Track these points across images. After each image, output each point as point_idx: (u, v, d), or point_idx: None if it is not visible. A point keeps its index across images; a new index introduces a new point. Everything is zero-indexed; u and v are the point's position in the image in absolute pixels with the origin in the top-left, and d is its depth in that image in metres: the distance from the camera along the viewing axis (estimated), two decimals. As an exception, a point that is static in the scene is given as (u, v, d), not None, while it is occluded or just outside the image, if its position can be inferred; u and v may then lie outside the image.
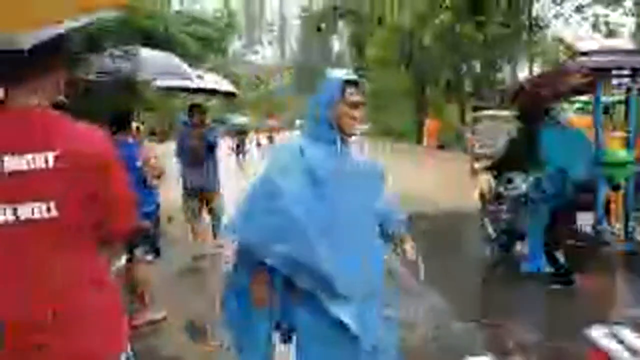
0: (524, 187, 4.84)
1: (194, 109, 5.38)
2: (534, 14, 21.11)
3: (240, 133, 17.81)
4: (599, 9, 23.73)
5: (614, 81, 4.08)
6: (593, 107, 4.22)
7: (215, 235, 5.68)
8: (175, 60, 4.41)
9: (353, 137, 1.94)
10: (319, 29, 28.76)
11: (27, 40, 1.29)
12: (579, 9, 23.61)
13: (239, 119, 19.62)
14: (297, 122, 48.49)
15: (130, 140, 3.89)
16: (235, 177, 11.90)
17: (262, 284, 1.85)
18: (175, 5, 16.43)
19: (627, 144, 4.40)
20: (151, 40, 12.42)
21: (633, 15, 22.63)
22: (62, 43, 1.43)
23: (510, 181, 5.40)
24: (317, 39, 45.23)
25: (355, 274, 1.81)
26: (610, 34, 25.11)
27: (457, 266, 5.58)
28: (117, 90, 4.49)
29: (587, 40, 21.36)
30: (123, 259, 4.05)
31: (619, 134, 4.56)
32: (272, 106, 45.77)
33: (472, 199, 6.55)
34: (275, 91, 52.00)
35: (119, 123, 3.82)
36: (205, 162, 5.32)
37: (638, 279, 4.55)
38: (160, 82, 4.79)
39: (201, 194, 5.40)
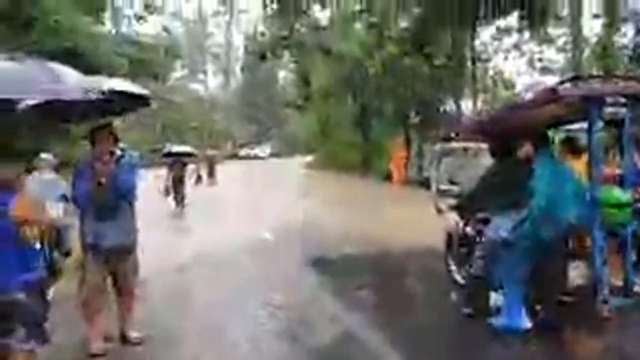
0: (503, 230, 4.12)
1: (97, 132, 3.76)
2: (475, 48, 21.58)
3: (177, 165, 12.77)
4: (535, 46, 24.91)
5: (609, 110, 3.51)
6: (588, 140, 3.63)
7: (124, 318, 4.00)
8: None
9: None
10: (263, 57, 28.08)
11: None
12: (516, 45, 24.62)
13: (181, 148, 14.68)
14: (241, 152, 47.54)
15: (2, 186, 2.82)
16: (172, 233, 9.33)
17: None
18: (108, 27, 15.18)
19: (622, 183, 3.82)
20: (74, 58, 11.22)
21: (565, 51, 23.69)
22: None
23: (486, 222, 4.72)
24: (262, 69, 44.74)
25: None
26: (544, 70, 26.39)
27: (421, 320, 4.79)
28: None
29: (525, 76, 21.90)
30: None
31: (608, 170, 4.00)
32: (214, 136, 44.44)
33: (437, 242, 5.84)
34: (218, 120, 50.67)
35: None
36: (118, 212, 3.79)
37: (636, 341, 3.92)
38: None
39: (109, 257, 3.79)
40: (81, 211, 3.82)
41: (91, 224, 3.73)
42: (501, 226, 4.21)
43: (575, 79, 3.63)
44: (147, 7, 16.92)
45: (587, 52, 18.76)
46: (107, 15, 16.56)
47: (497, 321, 4.22)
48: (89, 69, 10.87)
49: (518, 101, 4.61)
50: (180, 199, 12.64)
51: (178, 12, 40.24)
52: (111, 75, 12.41)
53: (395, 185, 17.28)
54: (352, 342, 4.08)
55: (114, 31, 15.83)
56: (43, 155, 7.03)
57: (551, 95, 3.53)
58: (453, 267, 5.61)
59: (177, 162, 12.76)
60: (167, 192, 12.21)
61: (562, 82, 3.68)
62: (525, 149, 3.99)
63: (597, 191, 3.68)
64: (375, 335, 4.17)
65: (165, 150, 14.15)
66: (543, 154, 3.91)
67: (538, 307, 4.24)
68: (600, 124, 3.64)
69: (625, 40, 17.08)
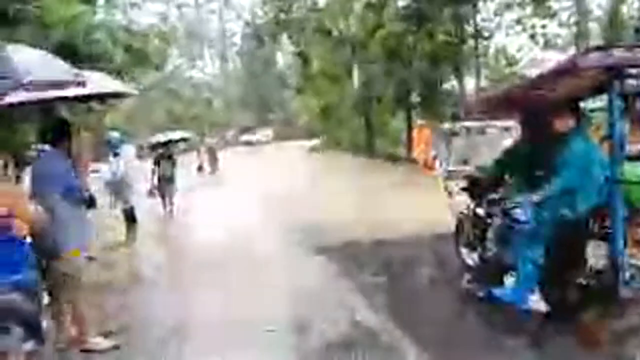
0: (526, 211, 3.94)
1: (68, 125, 3.62)
2: (477, 25, 21.16)
3: (164, 160, 10.34)
4: (537, 20, 24.38)
5: (631, 81, 3.31)
6: (609, 114, 3.43)
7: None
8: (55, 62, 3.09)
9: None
10: (260, 40, 27.77)
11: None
12: (519, 20, 24.10)
13: (170, 135, 12.37)
14: (242, 138, 47.26)
15: None
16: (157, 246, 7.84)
17: None
18: (100, 15, 14.78)
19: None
20: (70, 50, 10.97)
21: (569, 27, 23.22)
22: None
23: (498, 202, 4.56)
24: (261, 53, 44.23)
25: None
26: (547, 44, 25.89)
27: (434, 304, 4.68)
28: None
29: (528, 51, 21.23)
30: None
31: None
32: (214, 122, 44.18)
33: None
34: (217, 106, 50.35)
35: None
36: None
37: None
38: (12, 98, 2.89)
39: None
40: (65, 207, 3.46)
41: (79, 221, 3.55)
42: (519, 207, 4.05)
43: (593, 50, 3.40)
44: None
45: (591, 25, 18.35)
46: (99, 3, 16.15)
47: (498, 291, 4.13)
48: (84, 60, 10.64)
49: (532, 76, 4.40)
50: (168, 203, 10.29)
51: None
52: (108, 65, 12.18)
53: (424, 169, 15.39)
54: (364, 328, 4.00)
55: (107, 20, 15.46)
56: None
57: (570, 67, 3.33)
58: (464, 250, 5.48)
59: (164, 156, 10.44)
60: (151, 193, 10.07)
61: (580, 54, 3.48)
62: (561, 123, 3.80)
63: (618, 169, 3.50)
64: (388, 322, 4.07)
65: (153, 142, 11.92)
66: (577, 130, 3.73)
67: (556, 290, 4.12)
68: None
69: (633, 11, 16.66)
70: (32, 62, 2.85)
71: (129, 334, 4.02)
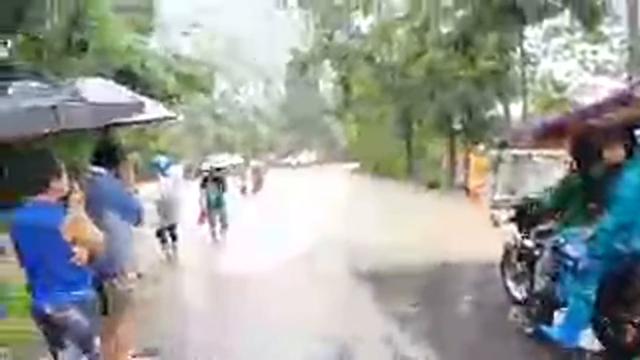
0: (577, 247, 3.80)
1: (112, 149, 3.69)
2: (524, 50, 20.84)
3: (212, 182, 9.70)
4: (587, 46, 23.72)
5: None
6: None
7: None
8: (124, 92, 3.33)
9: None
10: (304, 66, 28.33)
11: None
12: (567, 46, 23.54)
13: (221, 160, 12.31)
14: (286, 161, 47.96)
15: (53, 201, 2.80)
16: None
17: None
18: (153, 43, 15.58)
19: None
20: (129, 77, 11.60)
21: (621, 52, 22.46)
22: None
23: (547, 234, 4.41)
24: (303, 78, 45.00)
25: None
26: (598, 70, 25.06)
27: (480, 338, 4.54)
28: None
29: (578, 77, 20.53)
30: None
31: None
32: (259, 145, 45.17)
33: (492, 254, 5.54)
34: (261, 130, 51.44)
35: (34, 180, 2.76)
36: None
37: None
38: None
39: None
40: (122, 226, 3.58)
41: (132, 240, 3.68)
42: (571, 242, 3.91)
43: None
44: (194, 24, 17.32)
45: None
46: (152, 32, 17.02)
47: (547, 328, 3.96)
48: (140, 86, 11.22)
49: (584, 104, 4.28)
50: (219, 230, 9.75)
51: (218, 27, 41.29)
52: (161, 91, 12.77)
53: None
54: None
55: (160, 48, 16.26)
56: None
57: (625, 98, 3.24)
58: (510, 283, 5.31)
59: (210, 178, 9.78)
60: (201, 220, 9.52)
61: (635, 84, 3.38)
62: (613, 154, 3.70)
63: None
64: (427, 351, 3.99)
65: (204, 168, 11.13)
66: (631, 161, 3.59)
67: (610, 329, 3.92)
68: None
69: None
70: (95, 88, 3.08)
71: (166, 353, 4.10)
